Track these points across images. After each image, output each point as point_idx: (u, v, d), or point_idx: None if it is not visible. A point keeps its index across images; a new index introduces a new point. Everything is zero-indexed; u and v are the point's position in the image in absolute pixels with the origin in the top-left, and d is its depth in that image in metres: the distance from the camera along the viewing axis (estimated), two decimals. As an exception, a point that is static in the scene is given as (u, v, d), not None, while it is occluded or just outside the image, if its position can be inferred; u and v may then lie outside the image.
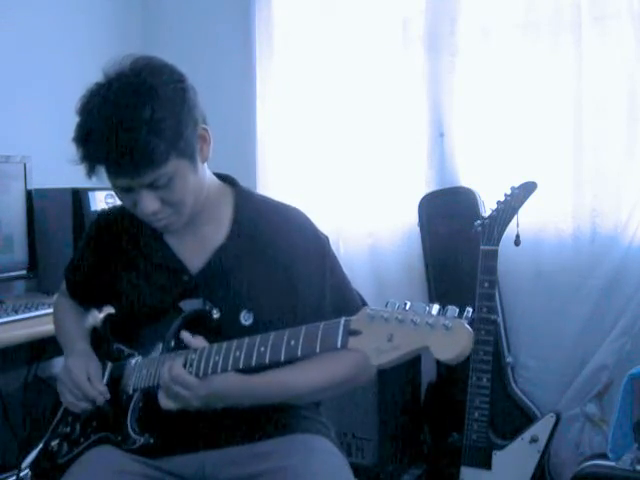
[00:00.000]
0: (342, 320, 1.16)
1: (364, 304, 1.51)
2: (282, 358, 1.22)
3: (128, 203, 1.41)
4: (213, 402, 1.35)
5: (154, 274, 1.50)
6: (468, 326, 1.05)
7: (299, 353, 1.20)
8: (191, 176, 1.39)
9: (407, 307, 1.10)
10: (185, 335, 1.36)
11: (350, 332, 1.14)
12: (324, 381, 1.43)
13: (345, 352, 1.16)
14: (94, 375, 1.48)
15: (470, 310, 1.08)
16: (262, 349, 1.24)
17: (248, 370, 1.30)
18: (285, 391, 1.42)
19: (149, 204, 1.37)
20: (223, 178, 1.55)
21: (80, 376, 1.46)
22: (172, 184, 1.36)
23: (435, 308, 1.08)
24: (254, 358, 1.25)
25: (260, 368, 1.29)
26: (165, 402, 1.33)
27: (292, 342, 1.21)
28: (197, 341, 1.36)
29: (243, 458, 1.44)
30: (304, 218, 1.54)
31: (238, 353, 1.27)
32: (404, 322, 1.08)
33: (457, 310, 1.07)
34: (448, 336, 1.04)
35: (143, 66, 1.37)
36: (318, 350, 1.18)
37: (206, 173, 1.47)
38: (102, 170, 1.35)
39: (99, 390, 1.46)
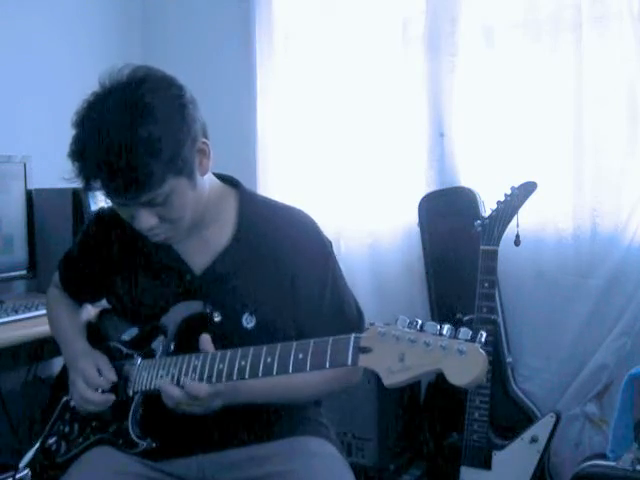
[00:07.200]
0: (352, 337, 1.15)
1: (359, 313, 1.51)
2: (290, 371, 1.21)
3: (125, 216, 1.40)
4: (215, 406, 1.34)
5: (156, 273, 1.49)
6: (482, 351, 1.04)
7: (308, 368, 1.19)
8: (189, 192, 1.36)
9: (418, 325, 1.09)
10: (204, 337, 1.34)
11: (360, 349, 1.13)
12: (322, 383, 1.43)
13: None
14: (104, 366, 1.47)
15: (484, 334, 1.06)
16: (269, 360, 1.23)
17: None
18: (285, 392, 1.41)
19: (146, 221, 1.35)
20: (226, 180, 1.53)
21: (91, 371, 1.45)
22: (169, 202, 1.33)
23: (446, 328, 1.07)
24: (260, 369, 1.24)
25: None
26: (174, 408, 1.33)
27: (300, 355, 1.20)
28: (207, 345, 1.34)
29: (243, 461, 1.44)
30: (309, 220, 1.52)
31: (243, 363, 1.26)
32: (416, 343, 1.07)
33: (470, 332, 1.06)
34: (462, 360, 1.03)
35: (141, 79, 1.32)
36: (328, 366, 1.17)
37: (206, 183, 1.43)
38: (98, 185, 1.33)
39: (111, 380, 1.44)
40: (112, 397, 1.44)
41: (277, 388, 1.39)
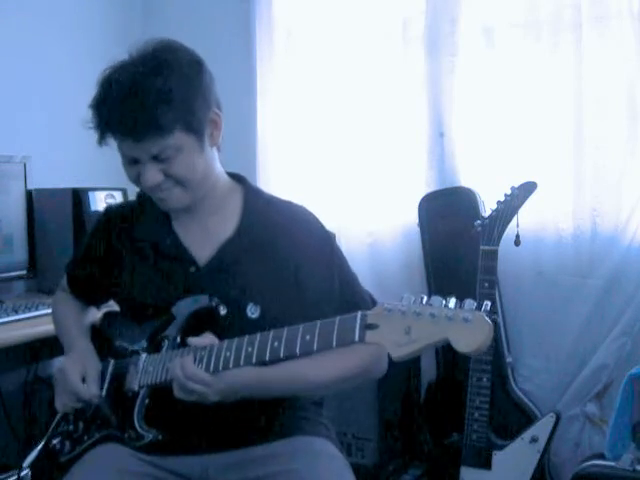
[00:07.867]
0: (359, 314, 1.16)
1: (373, 301, 1.51)
2: (297, 353, 1.22)
3: (133, 175, 1.43)
4: (229, 395, 1.34)
5: (161, 265, 1.50)
6: (488, 319, 1.05)
7: (315, 348, 1.21)
8: (197, 155, 1.41)
9: (424, 301, 1.11)
10: (192, 340, 1.36)
11: (367, 326, 1.14)
12: (339, 372, 1.42)
13: (360, 344, 1.16)
14: (90, 375, 1.47)
15: (489, 303, 1.08)
16: (276, 344, 1.25)
17: (262, 363, 1.30)
18: (300, 384, 1.41)
19: (152, 176, 1.39)
20: (232, 176, 1.57)
21: (73, 377, 1.46)
22: (177, 158, 1.38)
23: (452, 302, 1.09)
24: (267, 353, 1.26)
25: (274, 361, 1.29)
26: (182, 396, 1.33)
27: (307, 337, 1.21)
28: (206, 339, 1.36)
29: (246, 461, 1.44)
30: (311, 215, 1.55)
31: (250, 349, 1.27)
32: (422, 315, 1.08)
33: (475, 303, 1.07)
34: (468, 328, 1.04)
35: (165, 45, 1.42)
36: (335, 345, 1.18)
37: (216, 161, 1.49)
38: (111, 138, 1.39)
39: (92, 393, 1.46)
40: (79, 405, 1.47)
41: (296, 379, 1.39)
